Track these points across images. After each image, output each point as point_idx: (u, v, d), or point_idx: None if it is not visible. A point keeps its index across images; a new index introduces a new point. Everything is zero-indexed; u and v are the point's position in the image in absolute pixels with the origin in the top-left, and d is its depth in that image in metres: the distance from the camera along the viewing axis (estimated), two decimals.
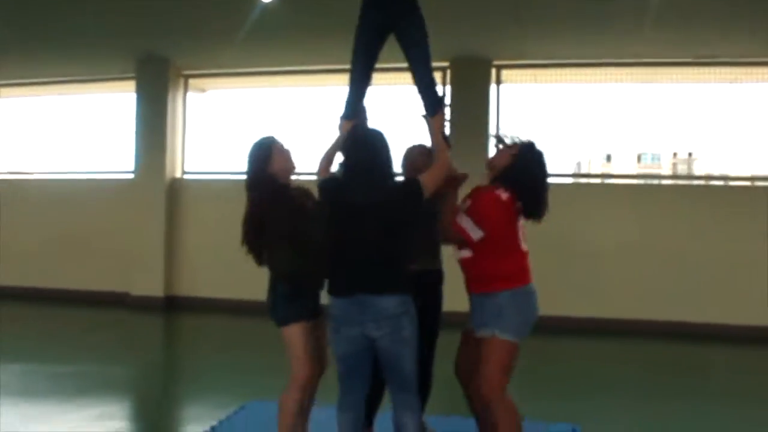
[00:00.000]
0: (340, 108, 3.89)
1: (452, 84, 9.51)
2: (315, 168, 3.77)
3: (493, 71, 9.57)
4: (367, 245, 3.33)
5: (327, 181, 3.57)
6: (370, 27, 3.79)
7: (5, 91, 11.77)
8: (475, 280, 3.68)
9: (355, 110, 3.85)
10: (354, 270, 3.35)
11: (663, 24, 7.93)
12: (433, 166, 3.57)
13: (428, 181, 3.44)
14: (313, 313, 3.71)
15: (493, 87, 9.59)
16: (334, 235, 3.40)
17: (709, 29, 8.12)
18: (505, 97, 9.69)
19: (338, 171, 3.63)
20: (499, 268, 3.63)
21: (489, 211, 3.61)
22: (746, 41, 8.49)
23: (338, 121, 3.85)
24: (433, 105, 3.78)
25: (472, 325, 3.72)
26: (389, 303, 3.29)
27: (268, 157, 3.70)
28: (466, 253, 3.65)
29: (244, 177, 3.74)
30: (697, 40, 8.57)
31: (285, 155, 3.79)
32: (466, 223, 3.59)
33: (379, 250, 3.33)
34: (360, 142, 3.52)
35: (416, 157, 4.01)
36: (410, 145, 4.18)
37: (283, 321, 3.65)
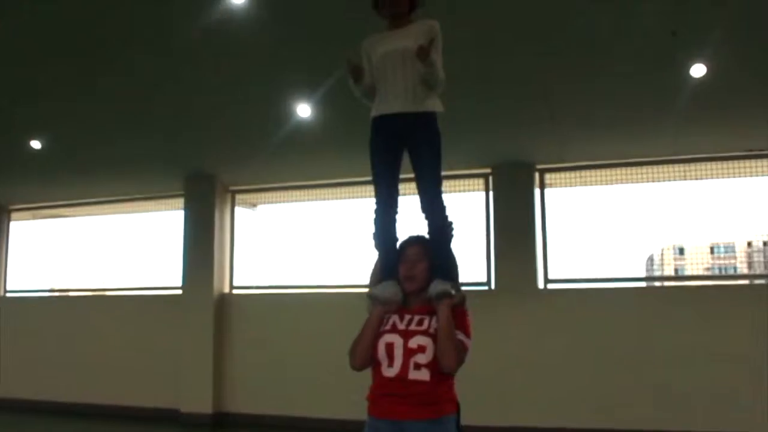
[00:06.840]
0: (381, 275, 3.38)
1: (495, 190, 9.40)
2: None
3: (537, 175, 9.40)
4: None
5: None
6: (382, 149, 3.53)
7: (57, 211, 12.19)
8: (425, 403, 3.11)
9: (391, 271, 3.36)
10: None
11: (708, 119, 7.82)
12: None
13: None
14: None
15: (537, 191, 9.39)
16: None
17: (757, 122, 7.94)
18: (551, 201, 9.47)
19: None
20: (452, 390, 3.24)
21: (469, 326, 3.29)
22: None
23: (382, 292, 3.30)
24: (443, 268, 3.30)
25: None
26: None
27: None
28: (424, 375, 3.12)
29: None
30: (747, 134, 8.35)
31: None
32: (463, 338, 3.21)
33: None
34: None
35: None
36: None
37: None
